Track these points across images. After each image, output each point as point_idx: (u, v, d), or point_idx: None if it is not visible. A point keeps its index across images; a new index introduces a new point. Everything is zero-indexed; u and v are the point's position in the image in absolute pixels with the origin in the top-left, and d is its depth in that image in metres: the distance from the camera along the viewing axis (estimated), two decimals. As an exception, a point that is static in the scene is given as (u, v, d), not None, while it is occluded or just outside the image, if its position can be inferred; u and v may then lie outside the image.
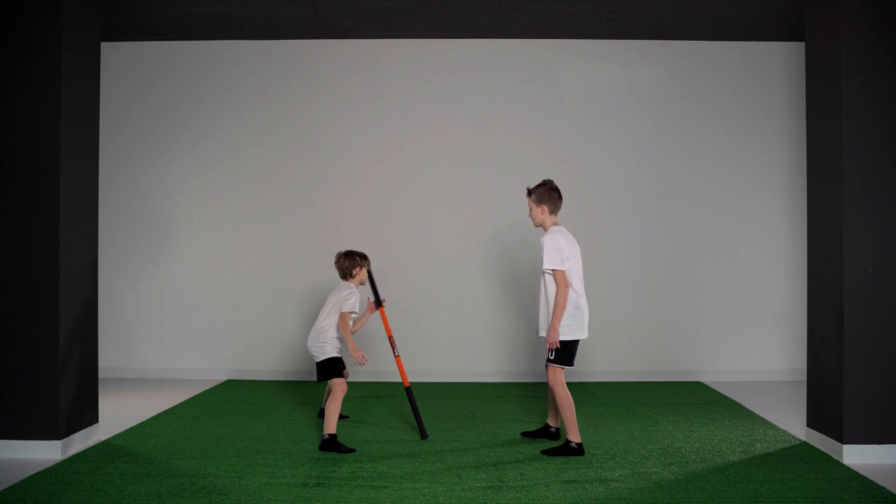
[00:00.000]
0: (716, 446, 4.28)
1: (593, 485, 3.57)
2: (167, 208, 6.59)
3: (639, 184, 6.53)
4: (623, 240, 6.50)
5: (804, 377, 6.06)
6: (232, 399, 5.64)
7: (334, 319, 4.35)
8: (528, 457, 4.06)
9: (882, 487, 3.53)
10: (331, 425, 4.20)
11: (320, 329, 4.37)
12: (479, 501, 3.33)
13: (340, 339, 4.37)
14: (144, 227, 6.58)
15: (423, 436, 4.48)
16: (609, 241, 6.46)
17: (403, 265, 6.48)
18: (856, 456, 3.97)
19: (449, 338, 6.46)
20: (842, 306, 4.03)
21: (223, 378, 6.48)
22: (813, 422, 4.36)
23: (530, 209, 4.19)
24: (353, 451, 4.16)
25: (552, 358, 4.05)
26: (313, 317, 6.24)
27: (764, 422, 4.90)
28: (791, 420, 4.95)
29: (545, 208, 4.13)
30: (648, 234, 6.52)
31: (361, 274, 4.58)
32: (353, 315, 4.39)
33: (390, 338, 4.63)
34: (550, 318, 4.03)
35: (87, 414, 4.34)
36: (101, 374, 5.88)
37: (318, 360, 4.34)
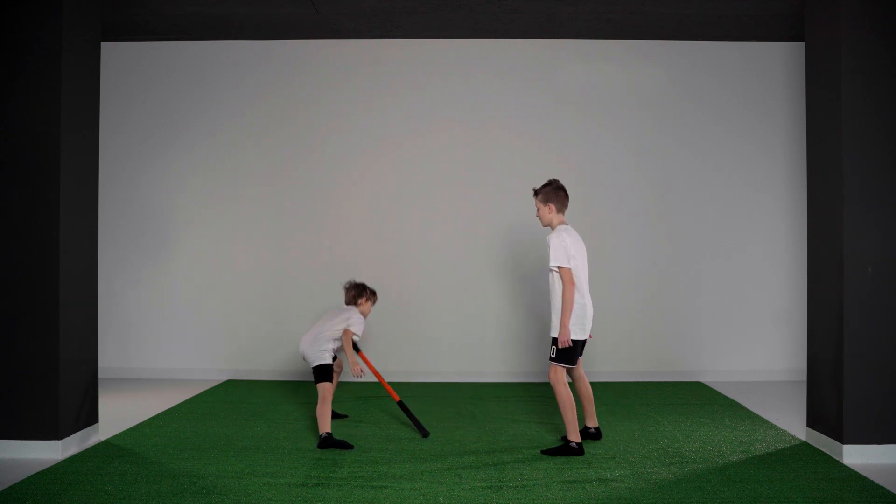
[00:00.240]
0: (716, 446, 4.28)
1: (593, 485, 3.57)
2: (167, 208, 6.59)
3: (639, 184, 6.54)
4: (623, 240, 6.50)
5: (804, 377, 6.06)
6: (232, 399, 5.64)
7: (336, 331, 4.46)
8: (528, 457, 4.06)
9: (882, 487, 3.53)
10: (325, 425, 4.25)
11: (320, 335, 4.44)
12: (479, 501, 3.33)
13: (336, 349, 4.51)
14: (144, 227, 6.58)
15: (424, 434, 4.48)
16: (609, 241, 6.46)
17: (402, 265, 6.48)
18: (856, 456, 3.97)
19: (448, 338, 6.46)
20: (842, 306, 4.03)
21: (223, 378, 6.48)
22: (813, 422, 4.36)
23: (538, 209, 4.21)
24: (350, 446, 4.19)
25: (553, 357, 4.06)
26: (313, 317, 6.24)
27: (764, 422, 4.90)
28: (791, 420, 4.95)
29: (552, 207, 4.16)
30: (648, 233, 6.52)
31: (365, 306, 4.71)
32: (355, 338, 4.50)
33: (376, 374, 4.80)
34: (553, 317, 4.07)
35: (87, 414, 4.34)
36: (101, 374, 5.90)
37: (313, 364, 4.42)
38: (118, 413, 5.07)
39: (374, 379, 6.30)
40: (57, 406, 4.03)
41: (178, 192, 6.59)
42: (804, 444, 4.33)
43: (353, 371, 4.34)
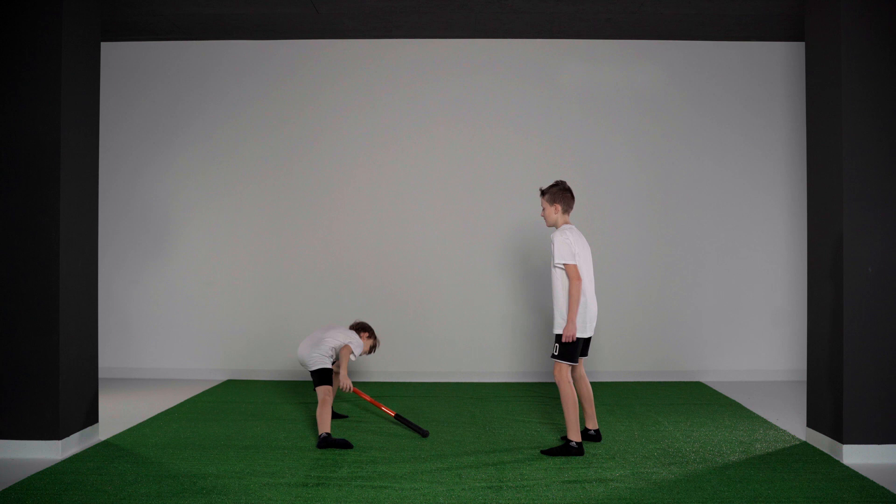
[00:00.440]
0: (716, 446, 4.28)
1: (593, 485, 3.57)
2: (167, 208, 6.59)
3: (639, 183, 6.53)
4: (623, 239, 6.50)
5: (804, 377, 6.07)
6: (232, 399, 5.64)
7: (338, 340, 4.56)
8: (528, 457, 4.06)
9: (882, 487, 3.53)
10: (324, 425, 4.27)
11: (322, 342, 4.51)
12: (479, 501, 3.33)
13: (335, 357, 4.59)
14: (144, 227, 6.58)
15: (423, 434, 4.48)
16: (609, 241, 6.46)
17: (402, 265, 6.48)
18: (856, 456, 3.97)
19: (448, 338, 6.46)
20: (842, 306, 4.03)
21: (223, 378, 6.48)
22: (813, 422, 4.36)
23: (543, 209, 4.25)
24: (350, 446, 4.19)
25: (556, 354, 4.07)
26: (313, 317, 6.25)
27: (764, 422, 4.90)
28: (791, 420, 4.95)
29: (559, 207, 4.20)
30: (648, 233, 6.52)
31: (365, 342, 4.80)
32: (351, 358, 4.58)
33: (370, 399, 4.84)
34: (556, 314, 4.08)
35: (87, 414, 4.34)
36: (101, 374, 5.90)
37: (312, 368, 4.48)
38: (118, 413, 5.07)
39: (373, 379, 6.31)
40: (57, 406, 4.03)
41: (178, 191, 6.59)
42: (804, 444, 4.33)
43: (343, 384, 4.43)
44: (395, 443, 4.35)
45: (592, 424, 4.39)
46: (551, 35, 6.43)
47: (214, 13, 5.89)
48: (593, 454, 4.10)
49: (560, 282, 4.07)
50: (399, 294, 6.44)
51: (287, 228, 6.55)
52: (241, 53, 6.59)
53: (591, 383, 6.18)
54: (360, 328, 4.87)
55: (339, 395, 5.60)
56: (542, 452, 4.11)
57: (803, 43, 6.02)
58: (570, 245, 4.05)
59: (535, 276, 6.45)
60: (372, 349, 4.90)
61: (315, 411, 4.65)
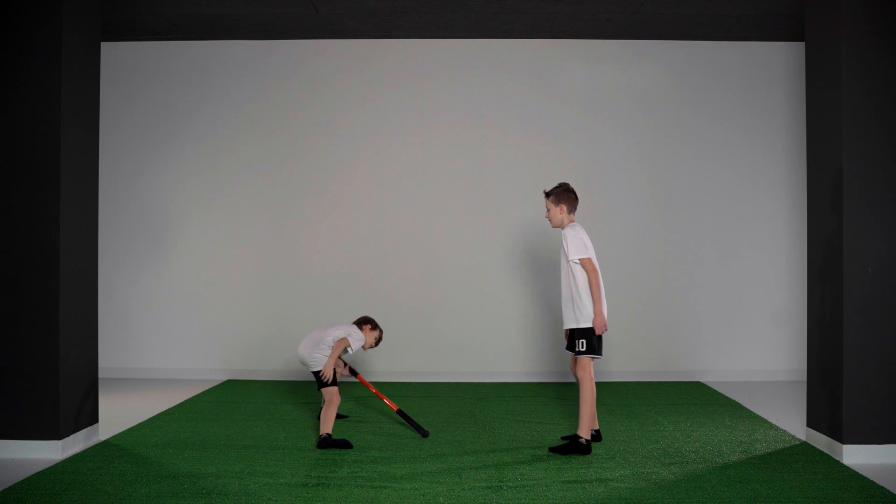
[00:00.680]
0: (716, 446, 4.28)
1: (593, 485, 3.57)
2: (167, 208, 6.59)
3: (638, 183, 6.53)
4: (623, 239, 6.50)
5: (804, 377, 6.06)
6: (232, 399, 5.64)
7: (337, 337, 4.48)
8: (528, 457, 4.06)
9: (882, 487, 3.53)
10: (327, 426, 4.26)
11: (321, 341, 4.46)
12: (479, 501, 3.33)
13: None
14: (144, 227, 6.58)
15: (424, 434, 4.48)
16: (609, 241, 6.45)
17: (401, 265, 6.48)
18: (856, 456, 3.97)
19: (448, 338, 6.46)
20: (842, 306, 4.03)
21: (223, 378, 6.48)
22: (813, 422, 4.36)
23: (548, 210, 4.29)
24: (350, 446, 4.19)
25: (583, 350, 4.07)
26: (314, 317, 6.24)
27: (764, 422, 4.90)
28: (791, 420, 4.95)
29: (564, 208, 4.25)
30: (648, 233, 6.52)
31: (368, 335, 4.70)
32: (348, 351, 4.51)
33: (374, 391, 4.82)
34: (577, 311, 4.10)
35: (87, 414, 4.34)
36: (101, 374, 5.89)
37: (314, 369, 4.43)
38: (118, 413, 5.07)
39: (373, 379, 6.30)
40: (57, 406, 4.03)
41: (178, 191, 6.59)
42: (804, 444, 4.33)
43: (323, 373, 4.35)
44: (395, 443, 4.35)
45: (593, 424, 4.39)
46: (551, 35, 6.43)
47: (214, 13, 5.89)
48: (593, 454, 4.10)
49: (579, 278, 4.10)
50: (399, 294, 6.44)
51: (287, 228, 6.55)
52: (241, 53, 6.59)
53: (591, 383, 6.21)
54: (362, 321, 4.80)
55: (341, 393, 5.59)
56: (551, 450, 4.11)
57: (803, 43, 6.01)
58: (584, 239, 4.12)
59: (535, 276, 6.45)
60: (378, 341, 4.80)
61: (320, 412, 4.61)
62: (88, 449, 4.19)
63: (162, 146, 6.60)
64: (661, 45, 6.55)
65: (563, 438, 4.41)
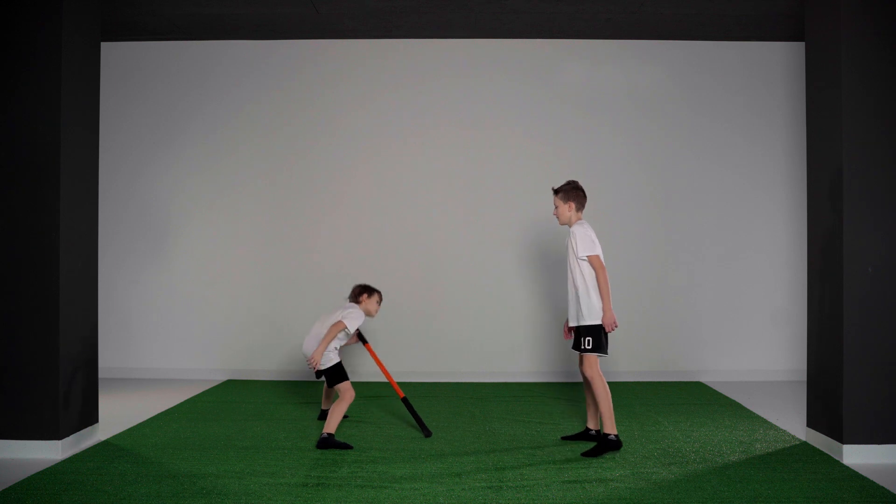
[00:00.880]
0: (716, 446, 4.28)
1: (593, 485, 3.57)
2: (167, 208, 6.59)
3: (638, 183, 6.53)
4: (622, 239, 6.50)
5: (804, 377, 6.06)
6: (232, 399, 5.64)
7: (334, 321, 4.37)
8: (528, 457, 4.06)
9: (882, 487, 3.53)
10: (332, 426, 4.23)
11: (320, 334, 4.38)
12: (479, 501, 3.33)
13: (340, 346, 4.45)
14: (144, 227, 6.58)
15: (427, 433, 4.48)
16: (608, 241, 6.40)
17: (400, 265, 6.48)
18: (856, 456, 3.97)
19: (448, 338, 6.46)
20: (841, 306, 4.03)
21: (223, 378, 6.48)
22: (813, 422, 4.36)
23: (556, 207, 4.29)
24: (350, 447, 4.18)
25: (589, 347, 4.07)
26: (314, 317, 6.23)
27: (764, 422, 4.90)
28: (791, 420, 4.95)
29: (572, 205, 4.26)
30: (648, 233, 6.52)
31: (368, 302, 4.62)
32: (345, 332, 4.37)
33: (383, 369, 4.75)
34: (585, 308, 4.10)
35: (87, 414, 4.34)
36: (101, 374, 5.88)
37: (321, 368, 4.35)
38: (118, 413, 5.07)
39: (374, 379, 6.30)
40: (57, 406, 4.03)
41: (178, 191, 6.59)
42: (804, 444, 4.33)
43: (312, 360, 4.21)
44: (395, 443, 4.35)
45: (594, 424, 4.39)
46: (551, 35, 6.43)
47: (214, 13, 5.89)
48: (593, 454, 4.11)
49: (587, 275, 4.12)
50: (399, 294, 6.43)
51: (287, 228, 6.55)
52: (241, 53, 6.59)
53: (591, 383, 6.20)
54: (359, 293, 4.60)
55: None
56: (583, 455, 4.07)
57: (803, 43, 6.01)
58: (592, 237, 4.14)
59: (535, 275, 6.45)
60: (379, 304, 4.66)
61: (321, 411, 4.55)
62: (88, 449, 4.19)
63: (162, 146, 6.61)
64: (661, 45, 6.55)
65: (562, 438, 4.42)
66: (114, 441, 4.38)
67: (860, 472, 3.78)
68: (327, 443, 4.19)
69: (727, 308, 6.51)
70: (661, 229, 6.53)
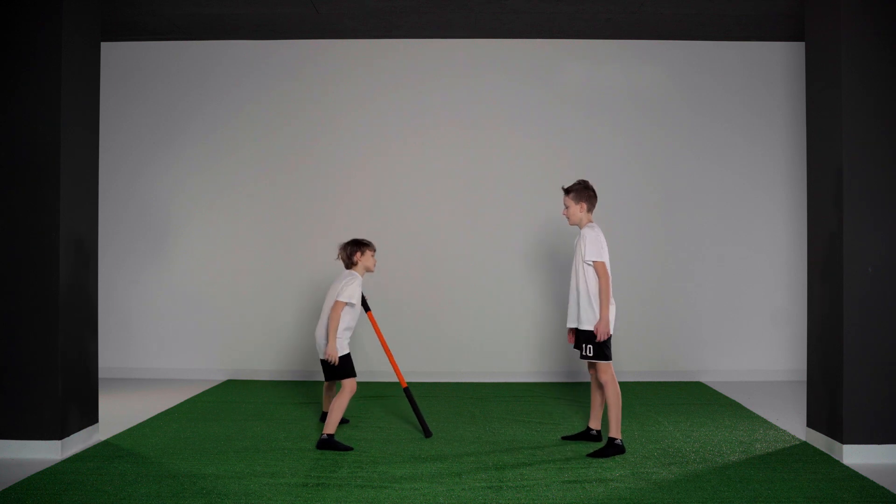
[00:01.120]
0: (716, 446, 4.28)
1: (593, 485, 3.57)
2: (167, 208, 6.59)
3: (638, 183, 6.53)
4: (623, 239, 6.49)
5: (804, 377, 6.06)
6: (232, 399, 5.64)
7: (332, 304, 4.24)
8: (528, 457, 4.06)
9: (882, 487, 3.53)
10: (332, 425, 4.21)
11: (323, 320, 4.29)
12: (479, 501, 3.33)
13: (347, 332, 4.27)
14: (144, 227, 6.58)
15: (427, 433, 4.48)
16: (609, 241, 6.37)
17: (401, 265, 6.48)
18: (856, 456, 3.97)
19: (448, 338, 6.46)
20: (842, 306, 4.03)
21: (223, 378, 6.48)
22: (813, 422, 4.36)
23: (567, 207, 4.26)
24: (350, 448, 4.18)
25: (590, 355, 4.07)
26: (314, 316, 6.25)
27: (764, 422, 4.90)
28: (791, 420, 4.95)
29: (584, 206, 4.25)
30: (648, 233, 6.52)
31: (364, 259, 4.42)
32: (351, 305, 4.22)
33: (387, 351, 4.66)
34: (584, 312, 4.09)
35: (87, 414, 4.34)
36: (101, 374, 5.89)
37: (321, 356, 4.25)
38: (118, 413, 5.07)
39: (374, 378, 6.31)
40: (57, 406, 4.03)
41: (178, 191, 6.59)
42: (804, 444, 4.33)
43: (329, 355, 4.10)
44: (395, 443, 4.35)
45: (595, 424, 4.39)
46: (551, 35, 6.43)
47: (214, 13, 5.89)
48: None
49: (590, 279, 4.11)
50: (399, 294, 6.44)
51: (288, 228, 6.55)
52: (241, 53, 6.59)
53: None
54: (351, 253, 4.37)
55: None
56: (588, 456, 4.07)
57: (803, 43, 6.01)
58: (601, 242, 4.13)
59: (535, 275, 6.45)
60: (374, 257, 4.45)
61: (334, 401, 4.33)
62: (88, 449, 4.19)
63: (162, 146, 6.61)
64: (661, 45, 6.55)
65: (563, 438, 4.42)
66: (114, 441, 4.38)
67: (860, 472, 3.78)
68: (327, 444, 4.18)
69: (727, 308, 6.51)
70: (661, 229, 6.53)
